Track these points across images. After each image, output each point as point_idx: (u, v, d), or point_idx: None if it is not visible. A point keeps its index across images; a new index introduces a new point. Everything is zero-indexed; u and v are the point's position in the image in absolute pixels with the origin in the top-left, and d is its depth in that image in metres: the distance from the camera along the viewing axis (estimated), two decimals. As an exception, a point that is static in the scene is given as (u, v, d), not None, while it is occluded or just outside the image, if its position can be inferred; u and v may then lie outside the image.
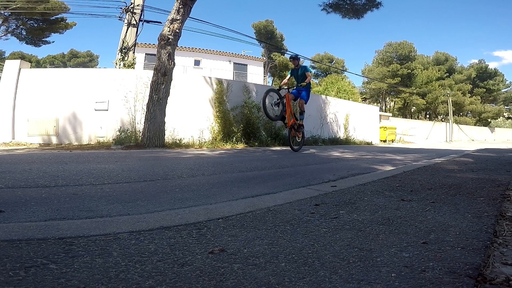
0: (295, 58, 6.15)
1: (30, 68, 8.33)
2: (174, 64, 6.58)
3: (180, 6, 6.48)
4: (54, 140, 7.43)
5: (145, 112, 6.53)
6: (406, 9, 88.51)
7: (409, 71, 34.88)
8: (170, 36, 6.39)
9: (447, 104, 32.69)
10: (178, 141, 7.23)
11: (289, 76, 6.33)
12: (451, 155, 5.47)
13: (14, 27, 21.17)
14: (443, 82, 35.84)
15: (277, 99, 5.77)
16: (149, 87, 6.52)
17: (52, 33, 22.09)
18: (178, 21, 6.50)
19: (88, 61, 39.40)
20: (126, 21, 10.55)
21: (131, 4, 10.52)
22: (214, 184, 2.29)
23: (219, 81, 8.85)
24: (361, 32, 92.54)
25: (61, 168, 2.83)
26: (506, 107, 45.12)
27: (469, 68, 40.70)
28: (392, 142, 17.42)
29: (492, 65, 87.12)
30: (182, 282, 0.69)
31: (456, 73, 38.84)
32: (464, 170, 3.01)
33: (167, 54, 6.39)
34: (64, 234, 1.01)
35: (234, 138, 8.22)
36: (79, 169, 2.80)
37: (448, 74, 37.85)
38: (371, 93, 38.17)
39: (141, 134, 6.63)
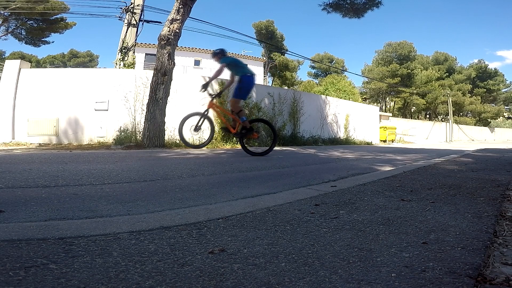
0: (214, 53, 5.04)
1: (30, 68, 8.33)
2: (174, 64, 6.59)
3: (180, 6, 6.48)
4: (54, 140, 7.43)
5: (145, 112, 6.53)
6: (406, 9, 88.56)
7: (409, 71, 34.90)
8: (170, 36, 6.39)
9: (447, 104, 32.69)
10: (178, 141, 7.22)
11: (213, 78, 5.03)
12: (451, 155, 5.47)
13: (14, 27, 21.17)
14: (443, 82, 35.85)
15: (199, 121, 4.73)
16: (149, 87, 6.52)
17: (52, 33, 22.10)
18: (178, 21, 6.50)
19: (88, 61, 39.41)
20: (126, 21, 10.56)
21: (131, 4, 10.53)
22: (214, 184, 2.29)
23: (220, 82, 8.85)
24: (361, 32, 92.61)
25: (61, 168, 2.83)
26: (506, 107, 45.12)
27: (469, 68, 40.70)
28: (392, 142, 17.41)
29: (495, 65, 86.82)
30: (182, 282, 0.69)
31: (456, 73, 38.85)
32: (464, 170, 3.01)
33: (167, 54, 6.39)
34: (64, 234, 1.01)
35: (234, 138, 8.22)
36: (79, 169, 2.80)
37: (448, 74, 37.87)
38: (371, 93, 38.17)
39: (141, 134, 6.63)
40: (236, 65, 4.93)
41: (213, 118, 4.86)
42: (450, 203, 1.53)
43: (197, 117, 4.75)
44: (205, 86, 4.73)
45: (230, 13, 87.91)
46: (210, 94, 4.84)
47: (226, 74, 5.21)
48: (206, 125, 4.93)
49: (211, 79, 4.91)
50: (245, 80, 4.72)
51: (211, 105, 4.79)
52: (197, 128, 4.75)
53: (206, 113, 4.75)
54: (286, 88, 27.27)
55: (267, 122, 5.32)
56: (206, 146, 5.77)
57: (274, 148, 5.24)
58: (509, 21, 69.31)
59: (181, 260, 0.81)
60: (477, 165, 3.54)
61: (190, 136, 4.88)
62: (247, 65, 5.16)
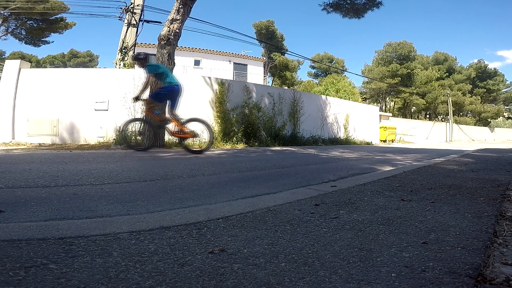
0: (136, 57, 5.05)
1: (30, 68, 8.33)
2: (174, 64, 6.59)
3: (180, 6, 6.48)
4: (54, 140, 7.43)
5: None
6: (406, 9, 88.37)
7: (409, 71, 34.91)
8: (170, 36, 6.39)
9: (447, 104, 32.69)
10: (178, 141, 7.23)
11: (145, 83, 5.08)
12: (451, 155, 5.47)
13: (14, 27, 21.17)
14: (443, 82, 35.86)
15: (140, 126, 5.02)
16: (149, 87, 6.51)
17: (52, 33, 22.09)
18: (178, 21, 6.50)
19: (88, 61, 39.42)
20: (126, 21, 10.56)
21: (131, 4, 10.53)
22: (214, 184, 2.29)
23: (220, 82, 8.85)
24: (361, 32, 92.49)
25: (61, 168, 2.83)
26: (506, 107, 45.12)
27: (469, 68, 40.70)
28: (392, 142, 17.42)
29: (495, 65, 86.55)
30: (182, 282, 0.69)
31: (455, 73, 38.86)
32: (464, 170, 3.01)
33: (167, 54, 6.39)
34: (64, 234, 1.01)
35: (234, 138, 8.22)
36: (79, 169, 2.80)
37: (447, 74, 37.88)
38: (371, 93, 38.19)
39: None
40: (163, 74, 5.05)
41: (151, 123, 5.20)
42: (450, 203, 1.53)
43: (138, 123, 5.12)
44: (136, 99, 5.04)
45: (230, 13, 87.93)
46: (140, 100, 5.10)
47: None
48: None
49: (141, 91, 5.03)
50: (170, 89, 4.96)
51: (147, 111, 5.12)
52: (140, 133, 5.13)
53: (145, 119, 4.99)
54: (286, 88, 27.28)
55: (201, 121, 5.36)
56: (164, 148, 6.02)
57: (211, 147, 5.57)
58: (510, 21, 69.29)
59: (181, 260, 0.81)
60: (477, 165, 3.54)
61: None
62: (172, 74, 5.40)
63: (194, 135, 5.14)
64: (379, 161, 4.44)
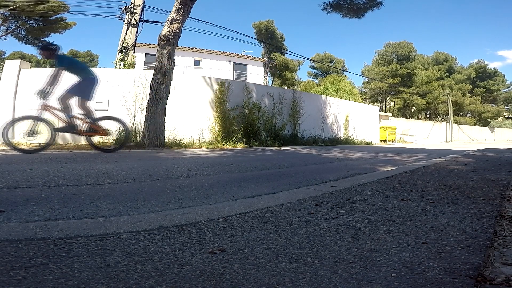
0: (45, 47, 4.57)
1: (30, 68, 8.33)
2: (174, 64, 6.59)
3: (180, 6, 6.48)
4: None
5: (144, 112, 6.53)
6: (406, 9, 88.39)
7: (409, 71, 34.91)
8: (170, 36, 6.39)
9: (447, 104, 32.69)
10: (178, 141, 7.23)
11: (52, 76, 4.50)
12: (451, 155, 5.47)
13: (14, 27, 21.17)
14: (443, 82, 35.86)
15: (33, 125, 4.45)
16: (149, 87, 6.52)
17: (52, 33, 22.07)
18: (178, 21, 6.50)
19: (88, 61, 39.37)
20: (126, 21, 10.56)
21: (131, 4, 10.53)
22: (214, 184, 2.29)
23: (220, 82, 8.85)
24: (361, 32, 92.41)
25: (61, 168, 2.83)
26: (506, 107, 45.12)
27: (469, 68, 40.71)
28: (392, 142, 17.41)
29: (496, 65, 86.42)
30: (182, 282, 0.69)
31: (455, 73, 38.86)
32: (464, 170, 3.01)
33: (167, 54, 6.39)
34: (64, 234, 1.01)
35: (234, 138, 8.22)
36: (79, 169, 2.80)
37: (448, 74, 37.88)
38: (371, 93, 38.19)
39: (141, 134, 6.63)
40: (76, 67, 4.69)
41: (50, 120, 4.62)
42: (450, 203, 1.53)
43: (31, 121, 4.48)
44: (42, 94, 4.43)
45: (230, 13, 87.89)
46: (43, 95, 4.45)
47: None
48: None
49: (48, 85, 4.47)
50: (90, 81, 4.63)
51: (44, 107, 4.47)
52: (32, 133, 4.45)
53: (40, 115, 4.43)
54: (286, 88, 27.27)
55: (117, 119, 5.08)
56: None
57: (125, 146, 5.28)
58: (510, 21, 69.30)
59: (181, 260, 0.81)
60: (477, 165, 3.54)
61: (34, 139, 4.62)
62: (87, 65, 4.99)
63: (105, 133, 4.85)
64: (379, 161, 4.44)
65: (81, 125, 4.70)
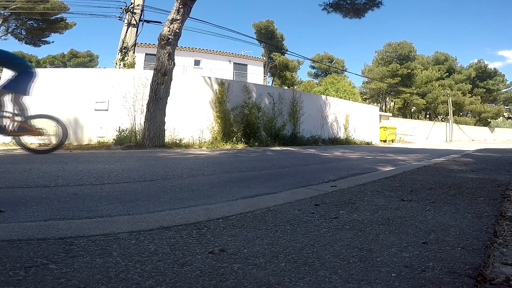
0: None
1: (30, 68, 8.32)
2: (174, 64, 6.59)
3: (180, 6, 6.48)
4: (54, 140, 7.41)
5: (144, 112, 6.53)
6: (406, 9, 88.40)
7: (409, 71, 34.90)
8: (170, 36, 6.39)
9: (447, 104, 32.69)
10: (178, 141, 7.23)
11: None
12: (451, 155, 5.47)
13: (14, 27, 21.16)
14: (443, 82, 35.86)
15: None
16: (149, 87, 6.52)
17: (52, 33, 22.08)
18: (178, 21, 6.50)
19: (88, 61, 39.39)
20: (126, 21, 10.56)
21: (131, 4, 10.53)
22: (214, 184, 2.29)
23: (220, 82, 8.85)
24: (361, 32, 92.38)
25: (61, 168, 2.83)
26: (506, 107, 45.13)
27: (469, 68, 40.70)
28: (392, 142, 17.42)
29: (496, 65, 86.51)
30: (182, 282, 0.69)
31: (455, 73, 38.86)
32: (464, 170, 3.01)
33: (167, 54, 6.39)
34: (64, 234, 1.01)
35: (234, 138, 8.23)
36: (79, 169, 2.80)
37: (448, 74, 37.88)
38: (371, 93, 38.18)
39: (141, 134, 6.63)
40: (9, 61, 4.29)
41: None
42: (450, 203, 1.53)
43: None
44: None
45: (230, 13, 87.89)
46: None
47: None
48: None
49: None
50: (27, 75, 4.26)
51: None
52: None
53: None
54: (286, 88, 27.27)
55: (52, 118, 4.67)
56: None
57: (62, 147, 4.89)
58: (510, 21, 69.25)
59: (181, 260, 0.81)
60: (477, 165, 3.54)
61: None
62: (22, 58, 4.43)
63: (38, 133, 4.40)
64: (379, 161, 4.44)
65: (9, 124, 4.23)
